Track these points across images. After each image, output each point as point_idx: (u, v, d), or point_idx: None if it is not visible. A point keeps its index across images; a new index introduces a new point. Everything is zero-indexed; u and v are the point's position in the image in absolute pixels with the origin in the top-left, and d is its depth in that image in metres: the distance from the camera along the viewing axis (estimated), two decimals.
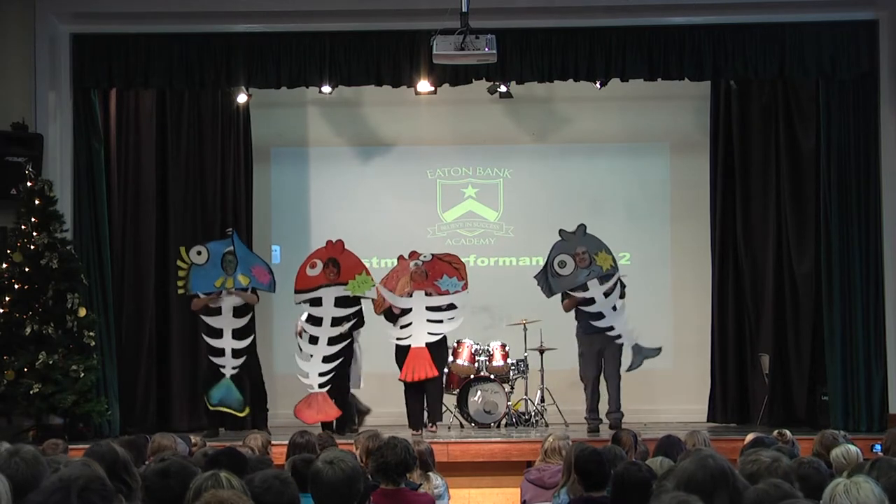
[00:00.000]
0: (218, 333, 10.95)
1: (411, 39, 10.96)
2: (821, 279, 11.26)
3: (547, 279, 11.14)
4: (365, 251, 12.73)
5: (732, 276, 12.51)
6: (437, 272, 11.05)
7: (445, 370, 11.37)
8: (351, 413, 11.26)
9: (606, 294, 11.06)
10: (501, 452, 10.16)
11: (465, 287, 11.07)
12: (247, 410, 11.11)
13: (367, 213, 13.19)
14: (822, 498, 3.64)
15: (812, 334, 11.60)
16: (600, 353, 11.08)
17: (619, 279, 11.20)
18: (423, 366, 10.82)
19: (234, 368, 10.94)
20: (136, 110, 12.25)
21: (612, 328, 11.03)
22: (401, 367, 10.96)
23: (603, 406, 11.21)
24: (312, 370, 10.91)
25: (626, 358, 11.24)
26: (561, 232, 11.31)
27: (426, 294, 10.98)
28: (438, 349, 11.01)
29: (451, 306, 11.07)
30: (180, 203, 12.39)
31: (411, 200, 13.33)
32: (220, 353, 10.94)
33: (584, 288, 11.09)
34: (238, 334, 10.99)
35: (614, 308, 11.06)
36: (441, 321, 11.00)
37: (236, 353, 10.95)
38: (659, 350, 11.36)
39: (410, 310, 10.97)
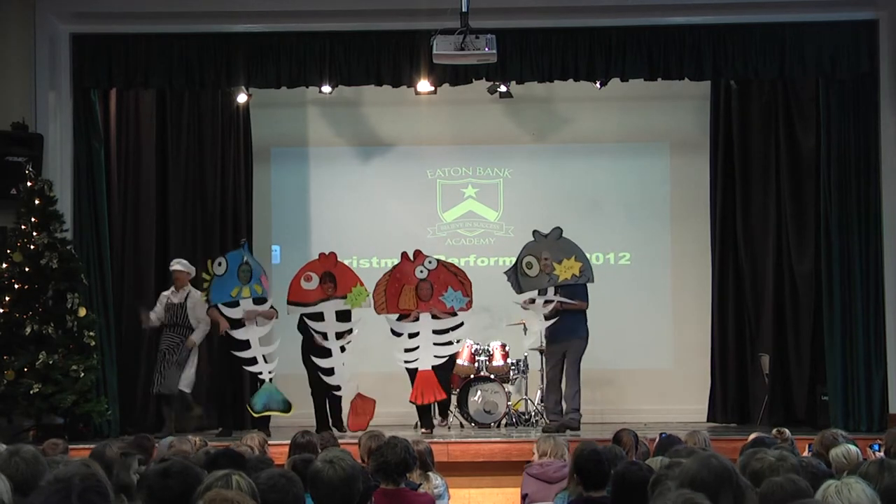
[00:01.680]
0: (245, 345, 10.94)
1: (411, 39, 10.95)
2: (821, 279, 11.27)
3: (517, 277, 11.21)
4: (365, 251, 12.76)
5: (732, 276, 12.52)
6: (443, 284, 10.99)
7: None
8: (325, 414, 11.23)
9: (546, 317, 11.03)
10: (501, 452, 10.15)
11: (469, 305, 11.03)
12: (293, 409, 11.10)
13: (367, 213, 13.19)
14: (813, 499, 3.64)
15: (812, 334, 11.61)
16: (564, 355, 11.12)
17: (581, 289, 11.12)
18: (431, 390, 10.87)
19: (270, 373, 10.98)
20: (136, 110, 12.26)
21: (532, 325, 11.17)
22: (412, 383, 10.99)
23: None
24: (341, 380, 11.01)
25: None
26: (534, 233, 11.33)
27: (432, 317, 10.97)
28: (444, 369, 11.05)
29: (457, 326, 11.05)
30: (180, 203, 12.39)
31: (411, 200, 13.33)
32: (254, 362, 10.96)
33: (543, 293, 11.12)
34: (265, 341, 11.06)
35: (546, 317, 11.05)
36: (447, 343, 11.00)
37: (268, 358, 11.02)
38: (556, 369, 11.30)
39: (417, 333, 10.97)
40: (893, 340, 10.98)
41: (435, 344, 10.94)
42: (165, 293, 11.28)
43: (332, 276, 10.99)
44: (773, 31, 11.05)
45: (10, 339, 10.33)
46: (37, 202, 10.47)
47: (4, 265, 10.41)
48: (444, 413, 11.25)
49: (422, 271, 10.99)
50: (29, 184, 10.49)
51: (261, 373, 10.98)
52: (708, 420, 12.31)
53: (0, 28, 11.03)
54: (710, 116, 12.75)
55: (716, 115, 12.66)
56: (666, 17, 11.19)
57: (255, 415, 10.96)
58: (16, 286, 10.38)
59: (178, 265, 11.22)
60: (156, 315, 11.18)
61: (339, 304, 10.99)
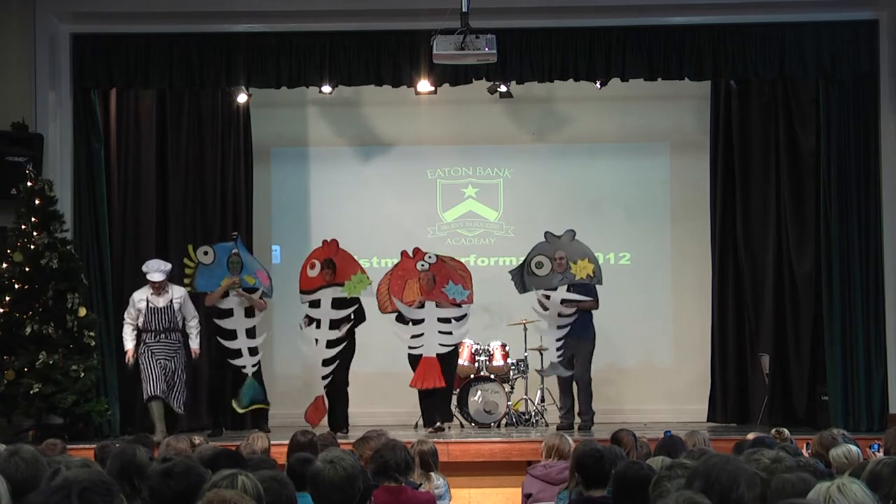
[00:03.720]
0: (232, 335, 11.02)
1: (411, 39, 10.96)
2: (821, 279, 11.27)
3: (522, 276, 11.29)
4: (365, 251, 12.74)
5: (732, 276, 12.51)
6: (444, 277, 11.08)
7: None
8: (345, 415, 11.19)
9: (561, 315, 11.10)
10: (501, 452, 10.16)
11: (470, 298, 11.11)
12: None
13: (367, 213, 13.18)
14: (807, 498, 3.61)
15: (812, 334, 11.61)
16: (572, 357, 11.17)
17: (593, 288, 11.24)
18: (432, 376, 10.89)
19: (253, 366, 11.06)
20: (136, 110, 12.25)
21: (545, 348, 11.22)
22: (413, 370, 11.00)
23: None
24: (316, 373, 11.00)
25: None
26: (546, 234, 11.39)
27: (437, 305, 11.00)
28: (449, 359, 11.07)
29: (460, 317, 11.11)
30: (180, 203, 12.39)
31: (411, 200, 13.32)
32: (238, 354, 11.01)
33: (553, 290, 11.17)
34: (251, 333, 11.08)
35: (559, 327, 11.09)
36: (451, 332, 11.05)
37: (253, 351, 11.06)
38: (571, 376, 11.26)
39: (423, 320, 11.00)
40: (893, 340, 10.99)
41: (440, 332, 10.98)
42: (140, 296, 10.74)
43: (332, 263, 11.07)
44: (773, 31, 11.05)
45: (10, 339, 10.33)
46: (37, 202, 10.47)
47: (4, 265, 10.41)
48: (444, 417, 11.10)
49: (423, 265, 11.10)
50: (29, 184, 10.49)
51: (244, 366, 10.99)
52: (708, 420, 12.31)
53: (0, 28, 11.03)
54: (710, 116, 12.74)
55: (716, 115, 12.65)
56: (666, 17, 11.19)
57: (241, 410, 11.05)
58: (16, 286, 10.38)
59: (158, 274, 10.66)
60: (131, 331, 10.68)
61: (337, 292, 11.04)
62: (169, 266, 10.88)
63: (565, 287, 11.20)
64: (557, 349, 11.17)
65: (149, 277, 10.71)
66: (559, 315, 11.12)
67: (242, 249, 11.27)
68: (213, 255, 11.07)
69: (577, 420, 11.33)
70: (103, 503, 2.98)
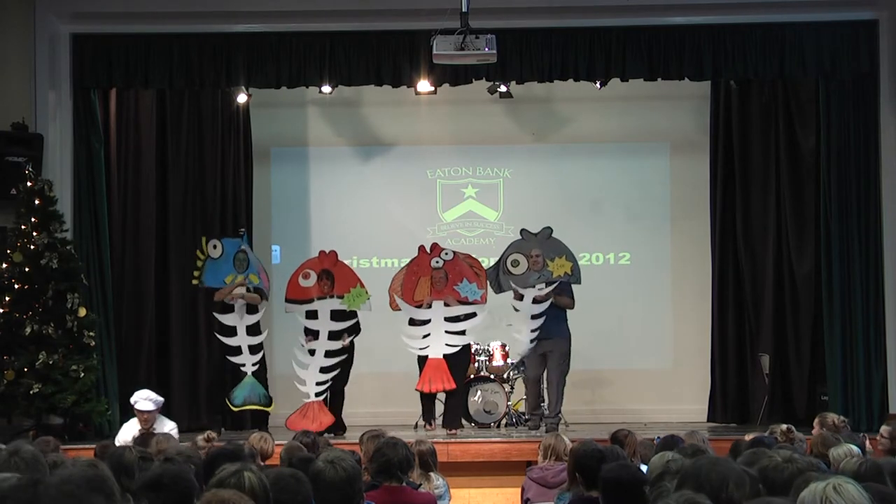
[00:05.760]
0: (232, 331, 10.85)
1: (411, 39, 10.96)
2: (821, 279, 11.28)
3: (497, 275, 11.05)
4: (365, 251, 12.75)
5: (732, 276, 12.52)
6: (458, 274, 10.92)
7: None
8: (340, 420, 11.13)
9: (536, 300, 10.85)
10: (501, 452, 10.16)
11: (483, 298, 10.91)
12: (273, 405, 11.05)
13: (367, 213, 13.18)
14: (800, 500, 3.59)
15: (812, 334, 11.63)
16: (544, 356, 10.98)
17: (568, 287, 11.01)
18: (439, 378, 10.75)
19: (254, 365, 10.87)
20: (136, 110, 12.26)
21: (519, 330, 10.97)
22: (420, 372, 10.89)
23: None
24: (309, 379, 10.85)
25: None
26: (522, 231, 11.24)
27: (445, 305, 10.89)
28: (459, 359, 10.92)
29: (470, 315, 10.93)
30: (180, 203, 12.39)
31: (411, 200, 13.32)
32: (238, 351, 10.84)
33: (531, 288, 10.97)
34: (251, 331, 10.90)
35: (533, 317, 10.83)
36: (460, 332, 10.88)
37: (253, 350, 10.88)
38: (537, 377, 11.10)
39: (429, 320, 10.89)
40: (893, 340, 10.99)
41: (447, 332, 10.84)
42: (126, 434, 9.30)
43: (331, 274, 10.88)
44: (773, 31, 11.06)
45: (10, 339, 10.33)
46: (37, 202, 10.47)
47: (4, 265, 10.41)
48: (453, 423, 10.91)
49: (437, 262, 10.92)
50: (29, 184, 10.49)
51: (243, 364, 10.84)
52: (708, 420, 12.31)
53: (0, 28, 11.03)
54: (710, 116, 12.75)
55: (716, 115, 12.66)
56: (666, 17, 11.20)
57: (234, 409, 10.92)
58: (16, 286, 10.38)
59: (147, 402, 9.30)
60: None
61: (335, 304, 10.87)
62: (160, 400, 9.48)
63: (542, 286, 11.01)
64: (531, 340, 10.88)
65: (137, 407, 9.30)
66: (534, 301, 10.81)
67: (248, 247, 11.19)
68: (221, 249, 10.98)
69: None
70: (107, 502, 2.98)
